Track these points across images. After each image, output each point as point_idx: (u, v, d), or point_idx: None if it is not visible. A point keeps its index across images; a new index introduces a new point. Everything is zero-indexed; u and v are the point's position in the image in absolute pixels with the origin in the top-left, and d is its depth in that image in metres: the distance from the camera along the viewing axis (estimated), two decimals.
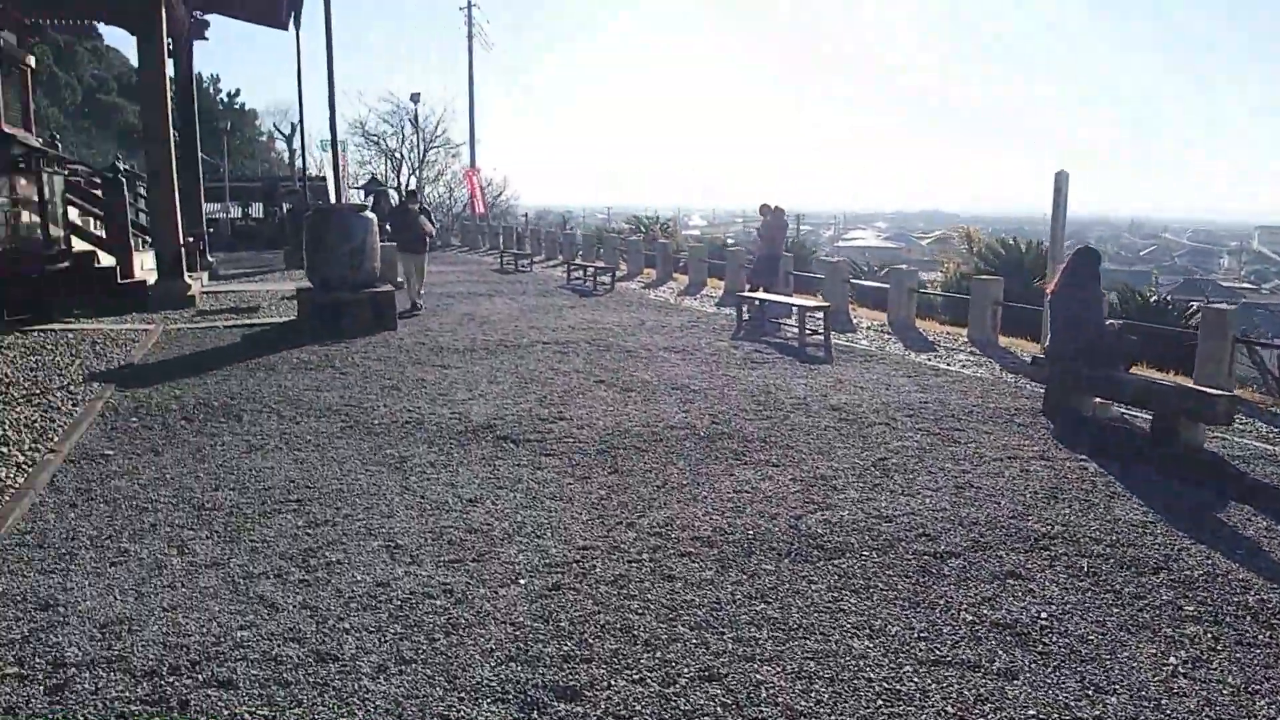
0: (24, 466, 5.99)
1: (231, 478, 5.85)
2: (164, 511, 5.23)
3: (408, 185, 43.40)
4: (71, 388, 8.38)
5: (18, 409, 7.58)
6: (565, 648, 3.63)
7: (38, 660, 3.53)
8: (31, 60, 23.08)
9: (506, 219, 43.83)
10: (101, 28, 26.34)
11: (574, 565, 4.47)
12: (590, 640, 3.69)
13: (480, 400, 8.00)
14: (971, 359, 10.66)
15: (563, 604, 4.03)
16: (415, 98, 43.51)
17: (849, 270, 18.41)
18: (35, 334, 11.61)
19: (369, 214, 13.25)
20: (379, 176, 41.00)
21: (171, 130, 15.23)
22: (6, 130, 14.12)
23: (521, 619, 3.87)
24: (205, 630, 3.75)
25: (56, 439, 6.69)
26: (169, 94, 15.16)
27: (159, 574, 4.36)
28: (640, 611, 3.96)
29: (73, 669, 3.45)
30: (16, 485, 5.62)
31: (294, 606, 3.98)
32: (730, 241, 35.54)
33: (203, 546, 4.71)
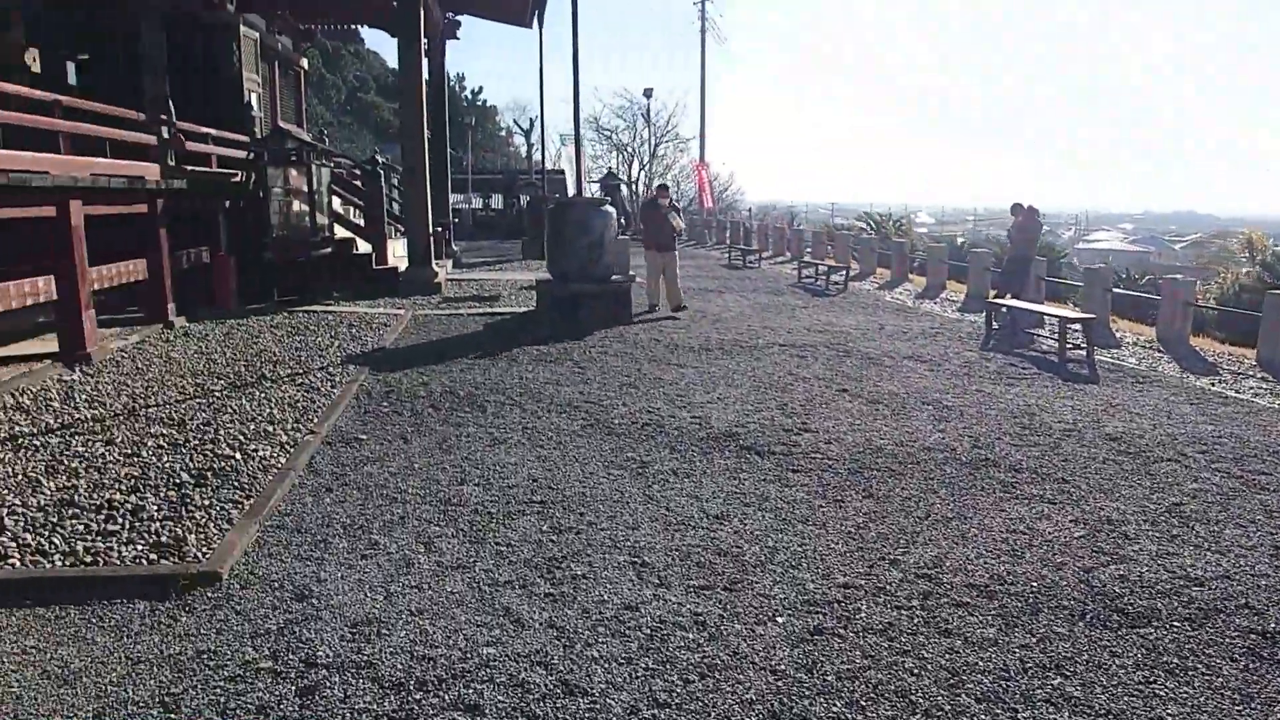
0: (286, 447, 6.24)
1: (476, 472, 5.82)
2: (412, 504, 5.24)
3: (649, 180, 44.13)
4: (330, 369, 8.80)
5: (283, 387, 8.01)
6: (835, 709, 3.20)
7: (290, 656, 3.50)
8: (305, 63, 25.02)
9: (731, 214, 43.63)
10: (364, 31, 28.17)
11: (835, 606, 4.02)
12: (863, 703, 3.24)
13: (719, 404, 7.69)
14: (1265, 386, 9.26)
15: (827, 652, 3.60)
16: (648, 93, 44.10)
17: (1111, 277, 16.77)
18: (300, 314, 12.43)
19: (608, 208, 13.27)
20: (614, 171, 41.77)
21: (425, 126, 15.97)
22: (282, 126, 15.25)
23: (783, 666, 3.48)
24: (451, 643, 3.61)
25: (315, 420, 6.96)
26: (423, 92, 15.92)
27: (407, 572, 4.31)
28: (916, 672, 3.47)
29: (323, 671, 3.40)
30: (279, 465, 5.83)
31: (540, 624, 3.78)
32: (960, 240, 33.61)
33: (449, 545, 4.64)
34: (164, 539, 4.63)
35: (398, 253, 17.30)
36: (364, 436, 6.61)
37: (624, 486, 5.57)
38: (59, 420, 6.97)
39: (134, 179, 10.34)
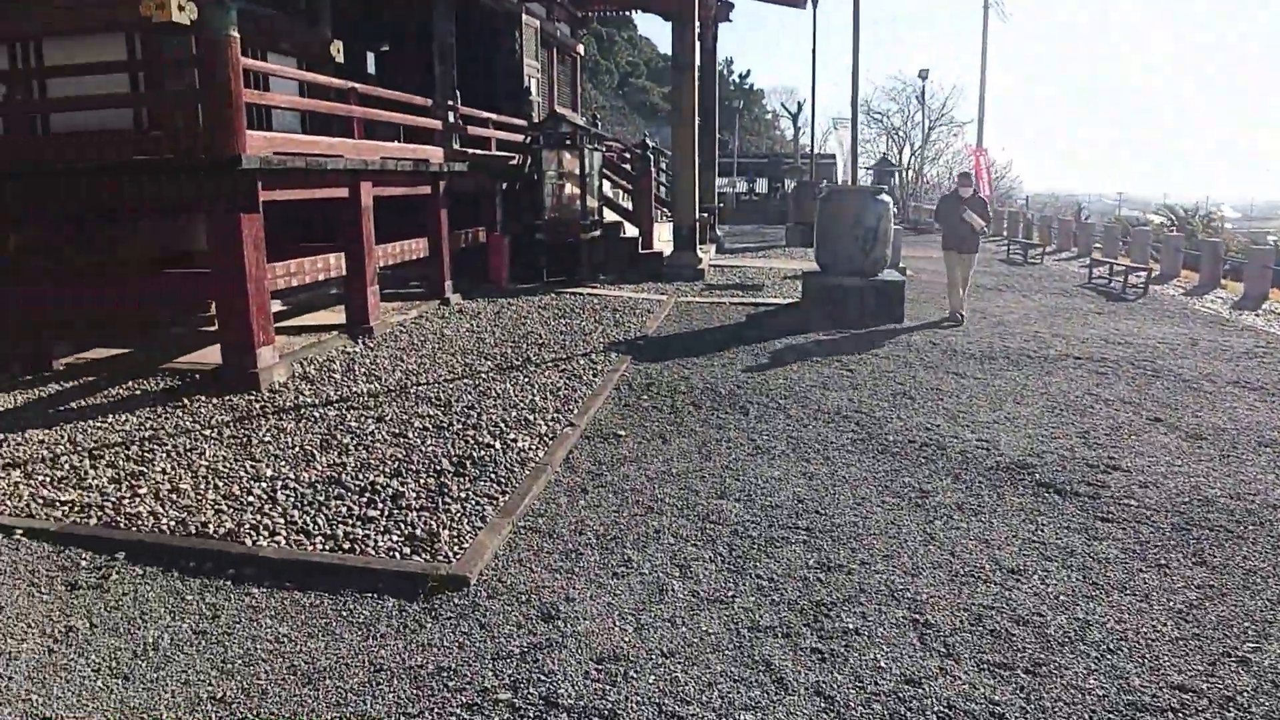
0: (545, 439, 6.07)
1: (737, 485, 5.36)
2: (668, 516, 4.86)
3: (918, 166, 42.05)
4: (593, 356, 8.67)
5: (547, 373, 7.94)
6: None
7: (530, 691, 3.20)
8: (581, 49, 25.58)
9: (1007, 203, 40.57)
10: (637, 17, 28.56)
11: (1171, 715, 3.20)
12: None
13: (1008, 426, 6.75)
14: None
15: None
16: (923, 74, 41.79)
17: None
18: (567, 296, 12.54)
19: (884, 197, 12.39)
20: (889, 157, 40.06)
21: (696, 111, 15.71)
22: (558, 110, 15.53)
23: None
24: (705, 699, 3.17)
25: (575, 411, 6.78)
26: (696, 76, 15.62)
27: (660, 599, 3.92)
28: None
29: (562, 715, 3.05)
30: (536, 460, 5.66)
31: (805, 688, 3.25)
32: (1272, 239, 29.05)
33: (706, 572, 4.20)
34: (419, 532, 4.52)
35: (663, 237, 17.23)
36: (623, 433, 6.34)
37: (900, 520, 4.90)
38: (338, 392, 7.24)
39: (419, 162, 10.74)
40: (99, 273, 8.72)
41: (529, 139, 14.81)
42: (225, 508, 4.90)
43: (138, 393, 7.28)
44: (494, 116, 14.12)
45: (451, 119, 12.35)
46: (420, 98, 11.74)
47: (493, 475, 5.33)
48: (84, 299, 8.51)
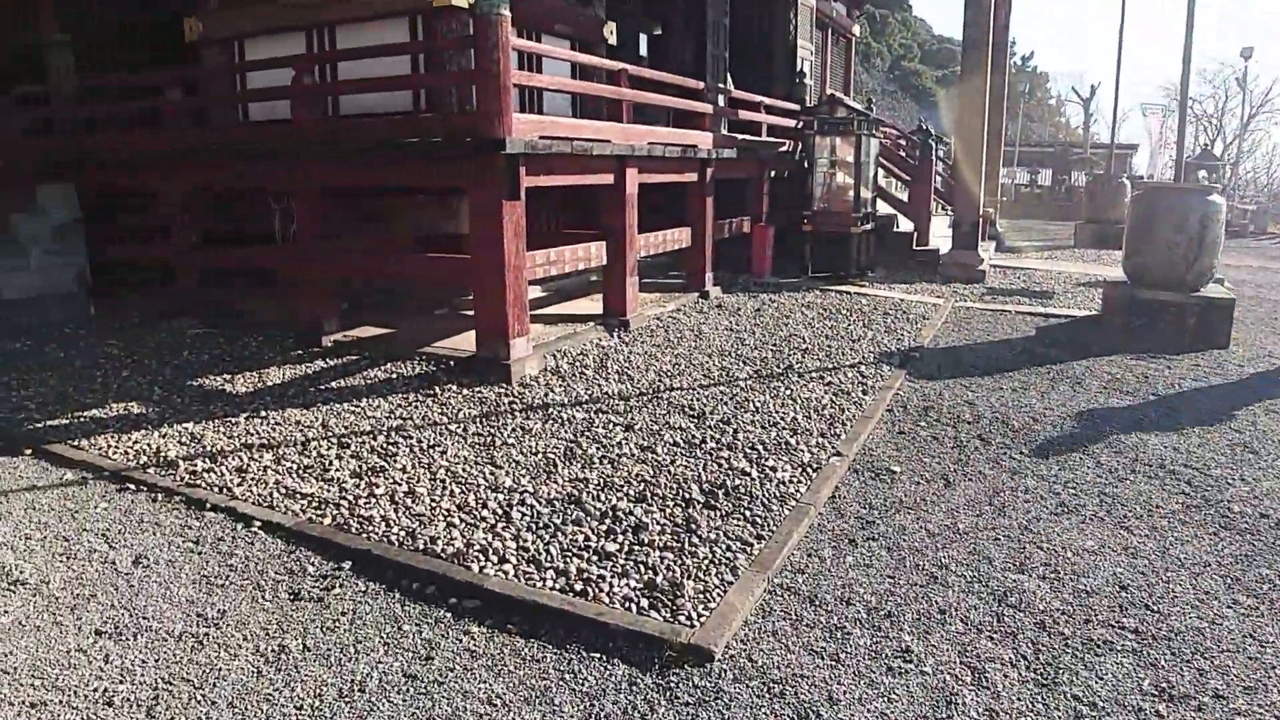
0: (808, 469, 5.29)
1: (1040, 554, 4.34)
2: (956, 590, 3.95)
3: (1234, 159, 37.16)
4: (862, 368, 7.77)
5: (811, 385, 7.15)
6: None
7: None
8: (856, 30, 24.32)
9: None
10: None
11: None
12: None
13: None
14: None
15: None
16: (1246, 53, 36.65)
17: None
18: (833, 294, 11.63)
19: (1216, 198, 10.50)
20: (1209, 149, 35.59)
21: (987, 94, 14.16)
22: (834, 94, 14.57)
23: None
24: None
25: (843, 435, 5.94)
26: (989, 56, 14.03)
27: (947, 715, 3.06)
28: None
29: None
30: (798, 496, 4.89)
31: None
32: None
33: (1005, 681, 3.28)
34: (660, 579, 3.90)
35: (939, 233, 15.84)
36: (897, 469, 5.44)
37: (1263, 633, 3.69)
38: (588, 391, 6.83)
39: (688, 147, 10.22)
40: (370, 252, 8.85)
41: (800, 124, 13.95)
42: (458, 521, 4.53)
43: (394, 376, 7.22)
44: (766, 100, 13.39)
45: (722, 103, 11.74)
46: (692, 80, 11.21)
47: (747, 512, 4.63)
48: (357, 276, 8.68)
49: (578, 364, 7.59)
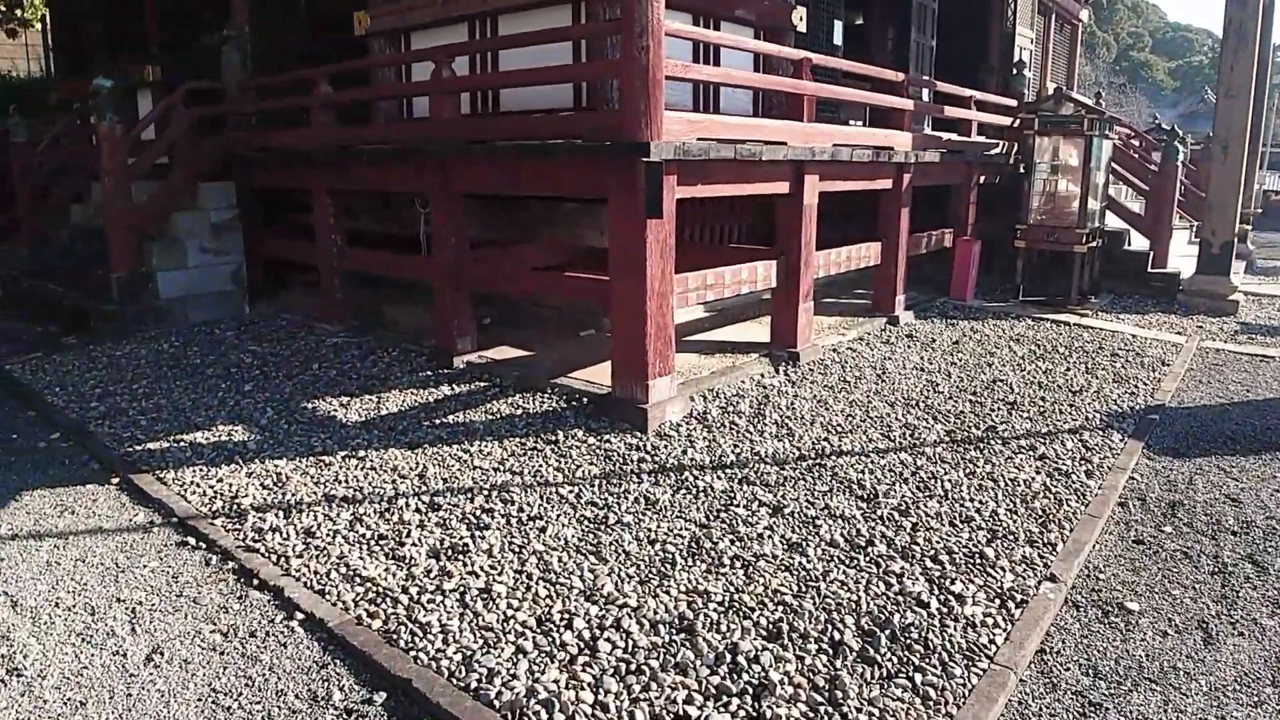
0: (1008, 601, 3.88)
1: None
2: None
3: None
4: (1084, 434, 6.20)
5: (1018, 456, 5.68)
6: None
7: None
8: (1084, 15, 21.71)
9: None
10: None
11: None
12: None
13: None
14: None
15: None
16: None
17: None
18: (1048, 324, 9.89)
19: None
20: None
21: (1252, 87, 11.83)
22: (1058, 88, 12.62)
23: None
24: None
25: (1058, 544, 4.48)
26: (1257, 40, 11.67)
27: None
28: None
29: None
30: (989, 649, 3.50)
31: None
32: None
33: None
34: None
35: (1179, 250, 13.53)
36: (1134, 606, 3.97)
37: None
38: (735, 450, 5.64)
39: (881, 149, 8.82)
40: (507, 265, 8.02)
41: (1017, 121, 12.13)
42: (530, 646, 3.49)
43: (517, 412, 6.32)
44: (978, 95, 11.69)
45: (926, 97, 10.23)
46: (890, 72, 9.77)
47: (915, 673, 3.33)
48: (485, 289, 7.89)
49: (730, 409, 6.43)
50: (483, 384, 6.98)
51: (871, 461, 5.52)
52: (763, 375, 7.32)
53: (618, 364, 6.24)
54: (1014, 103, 12.17)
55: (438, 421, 6.16)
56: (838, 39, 12.28)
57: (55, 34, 17.35)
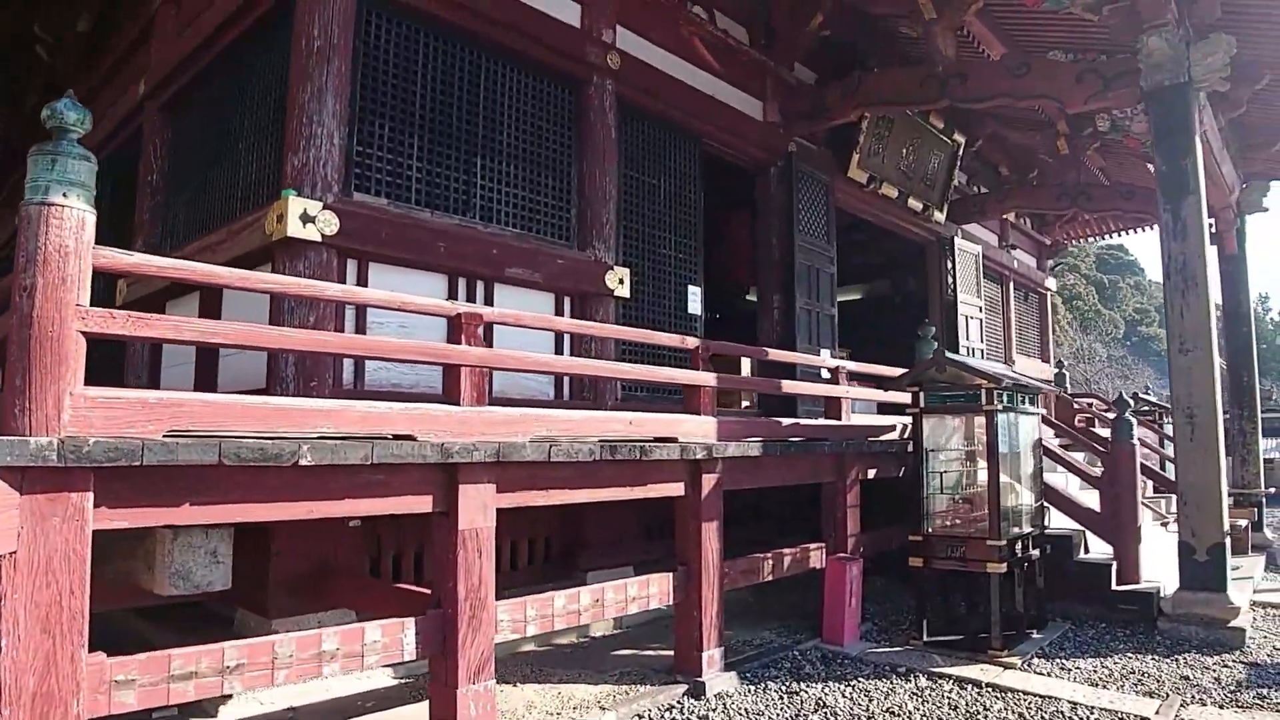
0: None
1: None
2: None
3: None
4: None
5: None
6: None
7: None
8: (1051, 283, 20.23)
9: None
10: (1142, 260, 22.21)
11: None
12: None
13: None
14: None
15: None
16: None
17: None
18: (952, 690, 6.58)
19: None
20: None
21: (1214, 343, 9.10)
22: (951, 355, 10.07)
23: None
24: None
25: None
26: (1206, 283, 9.04)
27: None
28: None
29: None
30: None
31: None
32: None
33: None
34: None
35: (1157, 550, 10.18)
36: None
37: None
38: None
39: (661, 442, 6.07)
40: None
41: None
42: None
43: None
44: (849, 364, 9.08)
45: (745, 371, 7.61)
46: (665, 336, 7.28)
47: None
48: None
49: None
50: None
51: None
52: None
53: None
54: (897, 372, 9.41)
55: None
56: (695, 308, 9.97)
57: None
